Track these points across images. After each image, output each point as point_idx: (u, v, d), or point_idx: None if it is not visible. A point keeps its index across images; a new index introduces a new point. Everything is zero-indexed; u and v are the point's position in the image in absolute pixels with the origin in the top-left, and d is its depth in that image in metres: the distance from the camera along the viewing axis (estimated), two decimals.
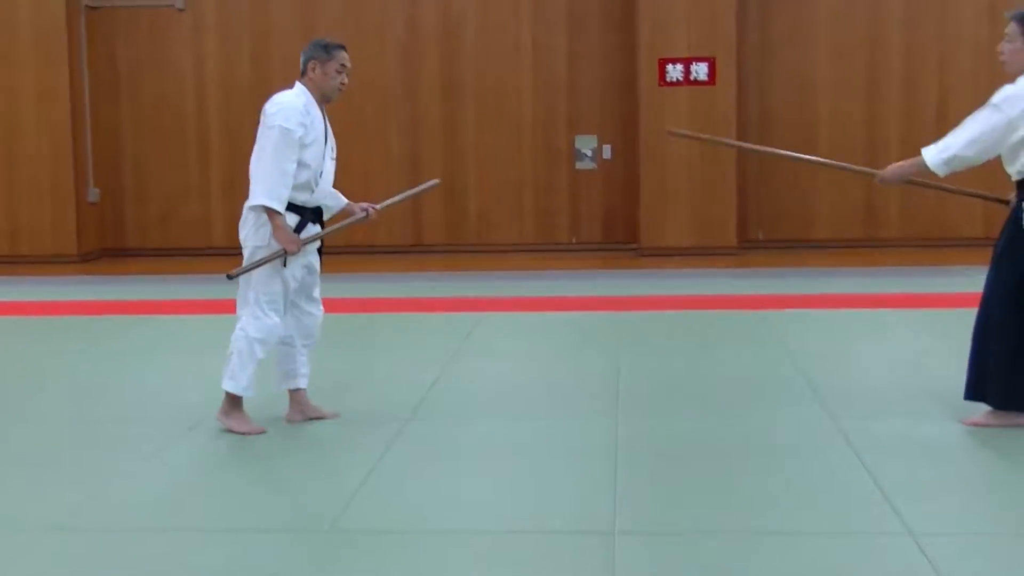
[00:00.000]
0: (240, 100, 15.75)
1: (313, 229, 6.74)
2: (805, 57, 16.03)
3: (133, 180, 16.87)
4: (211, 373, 6.99)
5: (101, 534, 5.10)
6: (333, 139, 6.91)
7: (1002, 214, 6.60)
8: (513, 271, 14.31)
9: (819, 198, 16.17)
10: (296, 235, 6.58)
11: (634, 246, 15.92)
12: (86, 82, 16.31)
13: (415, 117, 16.44)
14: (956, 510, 5.24)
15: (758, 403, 7.32)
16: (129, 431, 6.84)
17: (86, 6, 16.27)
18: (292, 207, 6.59)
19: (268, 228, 6.53)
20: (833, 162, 7.58)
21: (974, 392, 6.59)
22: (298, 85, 6.72)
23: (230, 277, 6.73)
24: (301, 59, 6.76)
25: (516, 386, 7.97)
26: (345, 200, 7.04)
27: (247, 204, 6.59)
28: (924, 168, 6.54)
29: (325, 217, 6.98)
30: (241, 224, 6.70)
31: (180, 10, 16.52)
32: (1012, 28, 6.44)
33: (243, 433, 6.68)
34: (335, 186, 6.99)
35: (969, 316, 6.71)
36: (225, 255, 6.78)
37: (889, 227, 16.15)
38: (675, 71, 15.35)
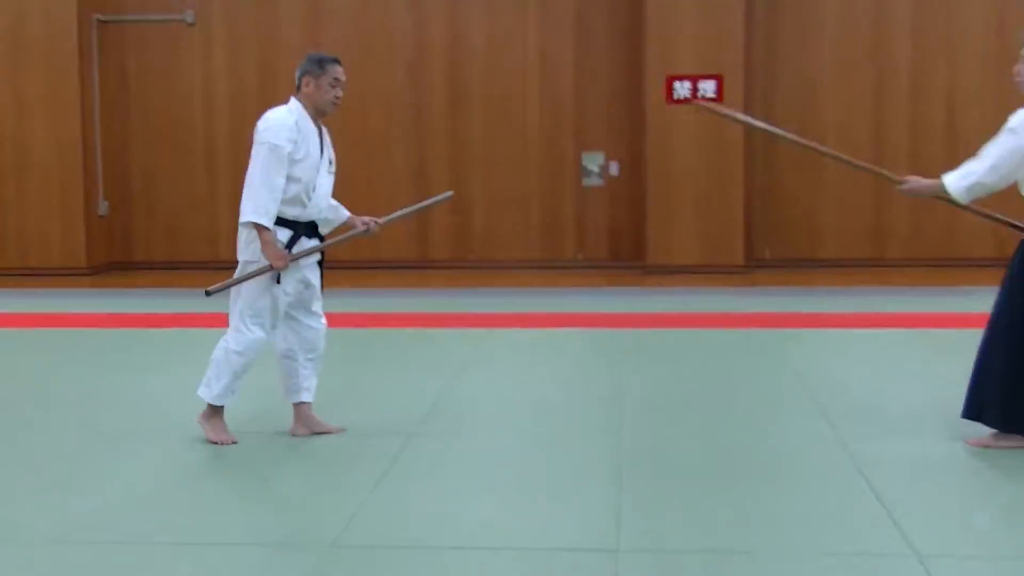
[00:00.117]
0: (248, 115, 15.68)
1: (307, 243, 6.75)
2: (811, 74, 16.05)
3: (142, 193, 16.92)
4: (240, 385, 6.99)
5: (104, 546, 5.09)
6: (332, 153, 6.93)
7: (1013, 236, 6.58)
8: (519, 287, 14.32)
9: (827, 217, 16.17)
10: (284, 251, 6.60)
11: (640, 263, 15.92)
12: (96, 96, 16.36)
13: (422, 132, 16.48)
14: (961, 531, 5.22)
15: (763, 422, 7.31)
16: (134, 444, 6.84)
17: (97, 20, 16.33)
18: (285, 222, 6.62)
19: (258, 243, 6.56)
20: (863, 164, 7.51)
21: (971, 410, 6.58)
22: (293, 100, 6.75)
23: (208, 294, 6.80)
24: (296, 74, 6.79)
25: (521, 402, 7.96)
26: (347, 213, 7.06)
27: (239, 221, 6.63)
28: (945, 194, 6.52)
29: (326, 230, 6.99)
30: (237, 239, 6.75)
31: (190, 24, 16.58)
32: None
33: (213, 442, 6.75)
34: (341, 200, 7.00)
35: (977, 336, 6.70)
36: (233, 268, 6.79)
37: (897, 246, 16.15)
38: (683, 88, 15.38)
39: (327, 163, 6.83)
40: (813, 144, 7.40)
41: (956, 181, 6.45)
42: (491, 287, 14.38)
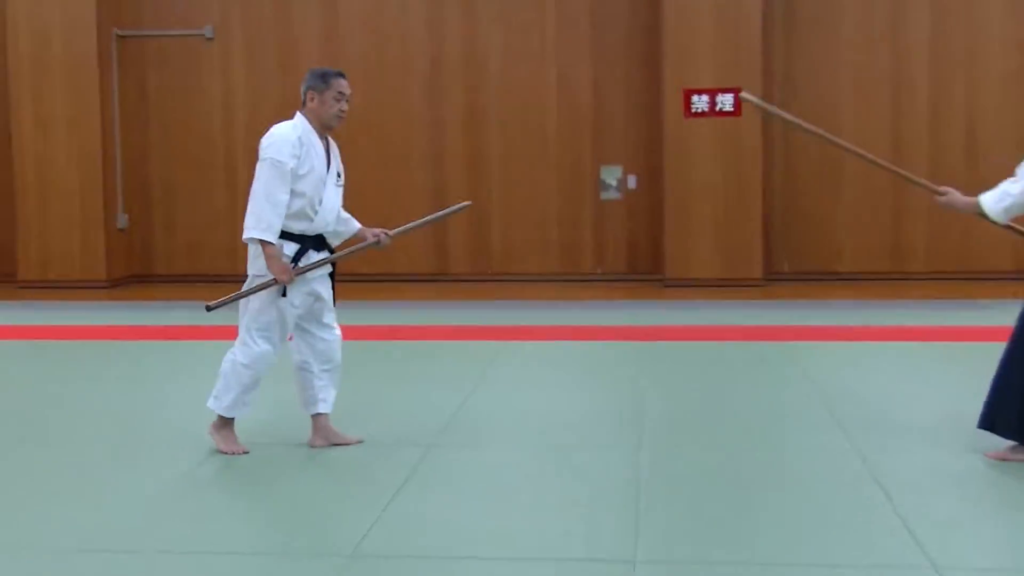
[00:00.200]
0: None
1: (315, 257, 6.79)
2: (830, 89, 16.04)
3: (161, 207, 17.00)
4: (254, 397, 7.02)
5: (123, 555, 5.12)
6: (340, 166, 6.96)
7: None
8: (537, 301, 14.34)
9: (845, 231, 16.16)
10: (288, 265, 6.64)
11: (659, 277, 15.93)
12: (116, 110, 16.46)
13: (440, 147, 16.52)
14: (979, 543, 5.21)
15: (781, 434, 7.31)
16: (152, 454, 6.88)
17: (117, 35, 16.42)
18: (291, 236, 6.67)
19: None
20: (905, 172, 7.48)
21: (987, 421, 6.59)
22: (298, 115, 6.81)
23: (209, 309, 6.86)
24: (301, 89, 6.84)
25: (539, 415, 7.97)
26: (358, 225, 7.10)
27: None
28: (982, 212, 6.54)
29: (337, 243, 7.03)
30: (248, 252, 6.81)
31: (209, 39, 16.67)
32: None
33: (224, 452, 6.81)
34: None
35: (996, 350, 6.70)
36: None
37: (916, 260, 16.12)
38: (700, 102, 15.39)
39: (335, 176, 6.87)
40: (861, 151, 7.38)
41: (993, 203, 6.48)
42: (509, 300, 14.40)
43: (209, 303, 6.90)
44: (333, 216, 6.88)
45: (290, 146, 6.62)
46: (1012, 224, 6.73)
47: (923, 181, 7.09)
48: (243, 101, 16.63)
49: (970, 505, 5.78)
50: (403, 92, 16.54)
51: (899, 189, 15.53)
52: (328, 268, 6.91)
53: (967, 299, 13.90)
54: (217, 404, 6.85)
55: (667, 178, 15.64)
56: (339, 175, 6.93)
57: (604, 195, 16.50)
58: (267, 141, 6.69)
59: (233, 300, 6.79)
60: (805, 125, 7.45)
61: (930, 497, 5.86)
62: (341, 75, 6.84)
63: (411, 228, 7.55)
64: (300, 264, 6.71)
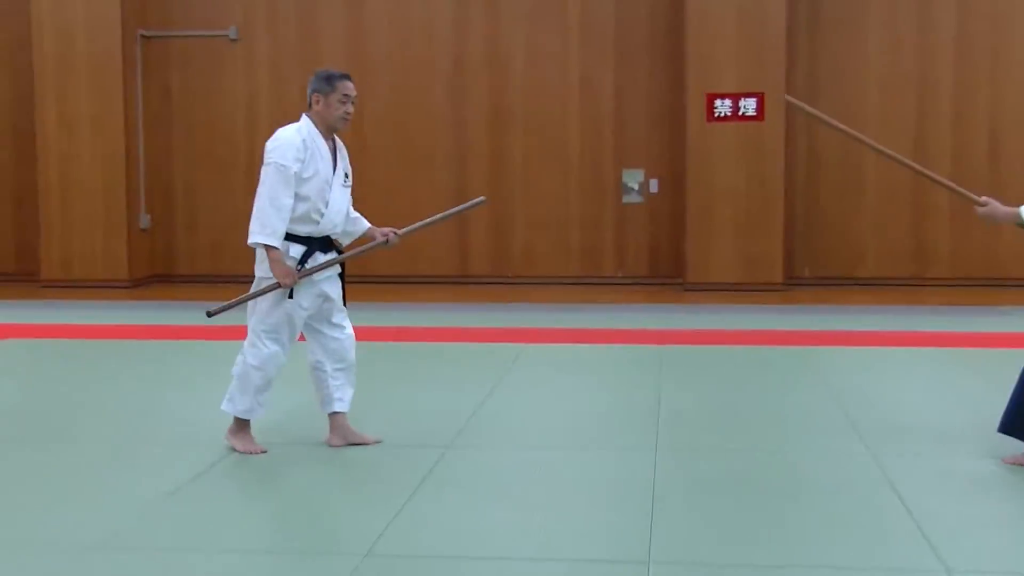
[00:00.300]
0: None
1: (322, 258, 6.81)
2: (853, 93, 16.00)
3: (184, 208, 17.06)
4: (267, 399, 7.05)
5: (139, 552, 5.16)
6: (348, 166, 7.00)
7: None
8: (557, 304, 14.35)
9: (866, 236, 16.12)
10: (292, 268, 6.67)
11: (680, 281, 15.92)
12: (140, 111, 16.53)
13: (462, 149, 16.54)
14: (993, 547, 5.20)
15: (798, 438, 7.31)
16: (169, 453, 6.91)
17: (141, 36, 16.49)
18: (298, 238, 6.70)
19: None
20: (940, 178, 7.46)
21: (1007, 426, 6.58)
22: (303, 118, 6.84)
23: (209, 315, 6.92)
24: (307, 91, 6.87)
25: (557, 417, 8.00)
26: (367, 224, 7.13)
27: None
28: (1021, 223, 6.54)
29: (347, 242, 7.09)
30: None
31: (233, 40, 16.73)
32: None
33: (243, 452, 6.85)
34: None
35: (1017, 357, 6.69)
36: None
37: (938, 266, 16.07)
38: (723, 106, 15.38)
39: (342, 177, 6.89)
40: (910, 162, 7.39)
41: None
42: (530, 303, 14.42)
43: (209, 309, 6.95)
44: (341, 217, 6.91)
45: (294, 150, 6.65)
46: None
47: (965, 191, 7.06)
48: (266, 102, 16.68)
49: (985, 509, 5.78)
50: (427, 92, 16.57)
51: (921, 193, 15.50)
52: (337, 269, 6.93)
53: (989, 305, 13.85)
54: (231, 407, 6.90)
55: (689, 182, 15.64)
56: (347, 176, 6.96)
57: (626, 198, 16.50)
58: (271, 145, 6.72)
59: (234, 305, 6.86)
60: (854, 133, 7.46)
61: (945, 501, 5.85)
62: (347, 77, 6.87)
63: (421, 226, 7.54)
64: (307, 266, 6.74)
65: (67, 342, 11.62)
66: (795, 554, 5.10)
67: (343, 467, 6.67)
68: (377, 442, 7.07)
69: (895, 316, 13.08)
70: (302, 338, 7.02)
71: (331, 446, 7.01)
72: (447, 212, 7.78)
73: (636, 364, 10.08)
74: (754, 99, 15.38)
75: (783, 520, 5.60)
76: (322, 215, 6.76)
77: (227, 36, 16.75)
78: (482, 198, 8.25)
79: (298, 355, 7.13)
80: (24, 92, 16.62)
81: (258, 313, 6.80)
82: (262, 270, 6.74)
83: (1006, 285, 15.47)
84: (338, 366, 6.99)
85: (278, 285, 6.65)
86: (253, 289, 6.80)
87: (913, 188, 15.46)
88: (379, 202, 15.53)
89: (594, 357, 10.58)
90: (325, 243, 6.87)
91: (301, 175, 6.64)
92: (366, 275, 16.20)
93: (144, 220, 16.64)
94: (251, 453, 6.84)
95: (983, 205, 6.74)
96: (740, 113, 15.43)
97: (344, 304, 7.03)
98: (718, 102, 15.46)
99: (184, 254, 17.12)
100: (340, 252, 6.98)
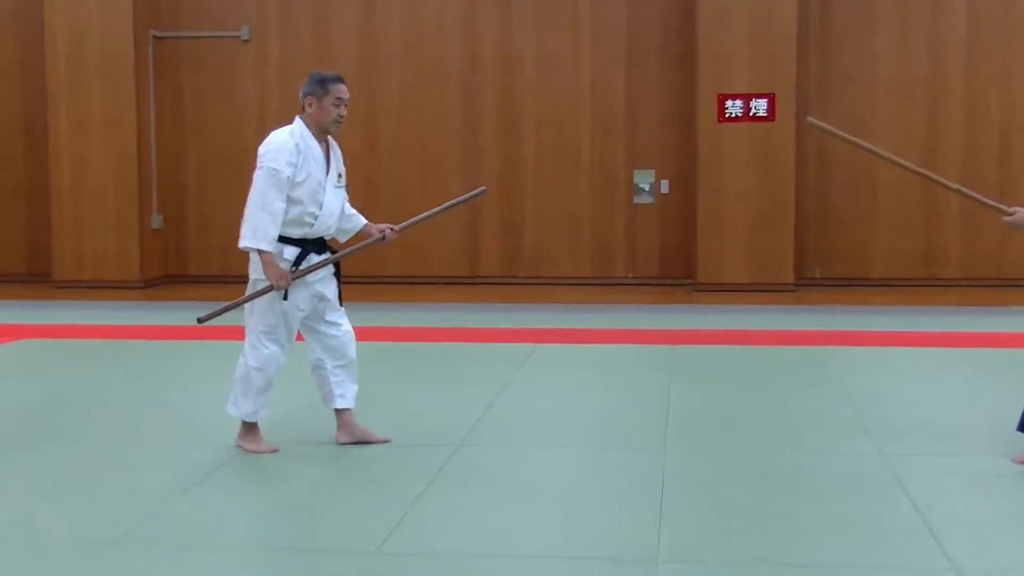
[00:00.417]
0: None
1: (316, 259, 6.84)
2: (865, 95, 16.00)
3: (196, 209, 17.10)
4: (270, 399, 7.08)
5: (155, 550, 5.19)
6: (342, 167, 7.02)
7: None
8: (568, 304, 14.36)
9: (878, 237, 16.11)
10: (285, 271, 6.69)
11: (691, 281, 15.92)
12: (152, 112, 16.57)
13: (474, 150, 16.55)
14: (1002, 547, 5.20)
15: (808, 438, 7.32)
16: (180, 452, 6.94)
17: (153, 37, 16.54)
18: (292, 240, 6.74)
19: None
20: (967, 190, 7.45)
21: None
22: (297, 120, 6.87)
23: (200, 321, 6.96)
24: (300, 94, 6.89)
25: (567, 416, 8.02)
26: (363, 221, 7.17)
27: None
28: None
29: (344, 239, 7.16)
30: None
31: (245, 41, 16.77)
32: None
33: (253, 451, 6.89)
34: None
35: None
36: None
37: (949, 267, 16.06)
38: (734, 107, 15.38)
39: (335, 178, 6.92)
40: (934, 175, 7.41)
41: None
42: (541, 303, 14.43)
43: (200, 315, 7.00)
44: (334, 219, 6.93)
45: (287, 154, 6.67)
46: None
47: (991, 201, 7.05)
48: (278, 103, 16.70)
49: (995, 508, 5.78)
50: (438, 93, 16.59)
51: (932, 195, 15.47)
52: (331, 268, 6.96)
53: (1000, 306, 13.84)
54: (236, 410, 6.95)
55: (700, 183, 15.64)
56: (340, 176, 6.98)
57: (637, 199, 16.50)
58: (264, 149, 6.75)
59: (226, 310, 6.93)
60: (876, 150, 7.47)
61: (954, 500, 5.86)
62: (340, 80, 6.88)
63: (419, 220, 7.54)
64: (301, 267, 6.77)
65: (79, 342, 11.66)
66: (804, 552, 5.12)
67: (353, 465, 6.70)
68: (384, 441, 7.10)
69: (906, 316, 13.08)
70: (300, 338, 7.05)
71: (339, 443, 7.05)
72: (446, 204, 7.74)
73: (646, 364, 10.09)
74: (765, 100, 15.38)
75: (792, 518, 5.62)
76: (316, 218, 6.78)
77: (239, 37, 16.79)
78: (482, 188, 8.24)
79: (300, 354, 7.15)
80: (36, 93, 16.67)
81: (256, 315, 6.84)
82: (257, 272, 6.77)
83: (1016, 286, 15.44)
84: (338, 363, 7.02)
85: (271, 288, 6.68)
86: (248, 292, 6.83)
87: (924, 189, 15.42)
88: (390, 202, 15.59)
89: (604, 357, 10.59)
90: (319, 244, 6.90)
91: (294, 179, 6.67)
92: (378, 276, 16.26)
93: (156, 221, 16.68)
94: (262, 452, 6.88)
95: (1011, 214, 6.75)
96: (751, 114, 15.42)
97: (340, 303, 7.05)
98: (729, 103, 15.46)
99: (196, 255, 17.16)
100: (334, 252, 7.00)
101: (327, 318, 6.97)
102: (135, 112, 16.19)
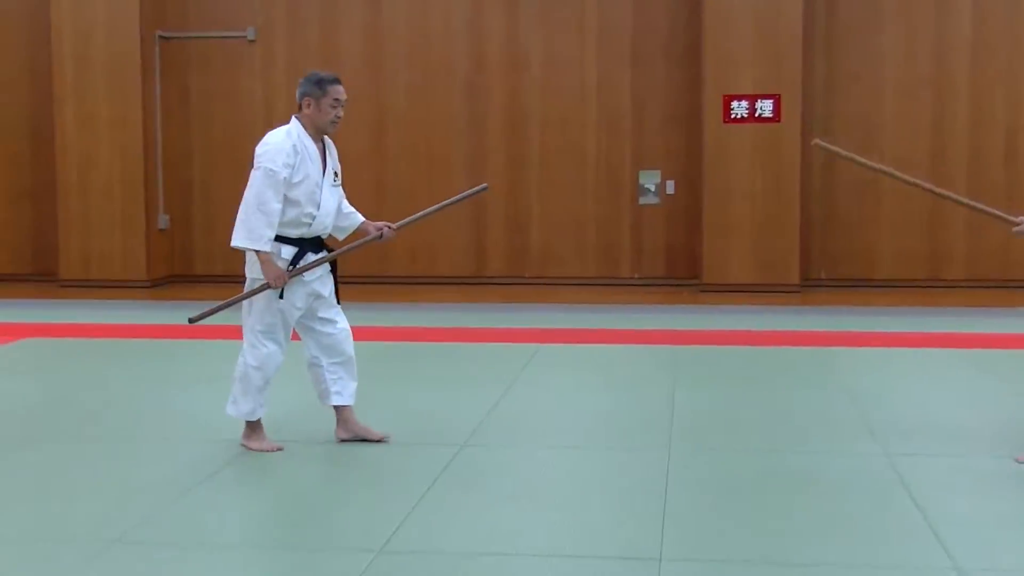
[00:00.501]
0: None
1: (312, 258, 6.86)
2: (870, 95, 15.99)
3: (202, 208, 17.11)
4: (269, 398, 7.09)
5: (159, 548, 5.21)
6: (338, 165, 7.04)
7: None
8: (573, 304, 14.37)
9: (883, 238, 16.09)
10: (282, 270, 6.72)
11: (696, 282, 15.92)
12: (158, 112, 16.60)
13: (480, 150, 16.56)
14: (1005, 547, 5.21)
15: (812, 438, 7.32)
16: (183, 451, 6.97)
17: (159, 37, 16.56)
18: (289, 240, 6.77)
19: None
20: (976, 204, 7.47)
21: None
22: (293, 120, 6.89)
23: (191, 321, 7.00)
24: (297, 94, 6.91)
25: (571, 416, 8.03)
26: (361, 218, 7.18)
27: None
28: None
29: (341, 237, 7.18)
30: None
31: (251, 41, 16.79)
32: None
33: (258, 450, 6.91)
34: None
35: None
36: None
37: (954, 268, 16.04)
38: (740, 107, 15.38)
39: (332, 177, 6.94)
40: (941, 190, 7.43)
41: None
42: (546, 303, 14.44)
43: (192, 315, 7.03)
44: (331, 219, 6.96)
45: (284, 155, 6.70)
46: None
47: (999, 212, 7.06)
48: (284, 103, 16.71)
49: (998, 508, 5.79)
50: (444, 93, 16.60)
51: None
52: (326, 267, 6.98)
53: (1005, 307, 13.83)
54: (236, 410, 6.96)
55: (705, 183, 15.64)
56: (336, 175, 7.00)
57: (642, 200, 16.50)
58: (261, 149, 6.77)
59: (218, 310, 6.97)
60: (886, 169, 7.50)
61: (958, 500, 5.87)
62: (337, 81, 6.91)
63: (418, 218, 7.56)
64: (298, 265, 6.80)
65: (84, 341, 11.68)
66: (807, 551, 5.13)
67: (357, 464, 6.72)
68: (383, 438, 7.11)
69: (910, 317, 13.07)
70: (295, 337, 7.07)
71: (339, 440, 7.08)
72: (446, 201, 7.74)
73: (651, 364, 10.10)
74: (771, 100, 15.37)
75: (795, 518, 5.63)
76: (313, 218, 6.81)
77: (245, 37, 16.81)
78: (484, 185, 8.23)
79: (301, 353, 7.16)
80: (43, 93, 16.70)
81: (254, 314, 6.86)
82: (253, 272, 6.81)
83: (1021, 287, 15.41)
84: (334, 360, 7.05)
85: (265, 287, 6.71)
86: (245, 289, 6.87)
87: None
88: (396, 202, 15.59)
89: (609, 357, 10.60)
90: (316, 244, 6.92)
91: (291, 180, 6.70)
92: (383, 276, 16.28)
93: (163, 220, 16.71)
94: (268, 451, 6.90)
95: (1019, 224, 6.77)
96: (757, 115, 15.42)
97: (338, 300, 7.08)
98: (735, 103, 15.46)
99: (202, 254, 17.17)
100: (331, 251, 7.02)
101: (320, 315, 6.99)
102: (141, 112, 16.21)
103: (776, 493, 6.08)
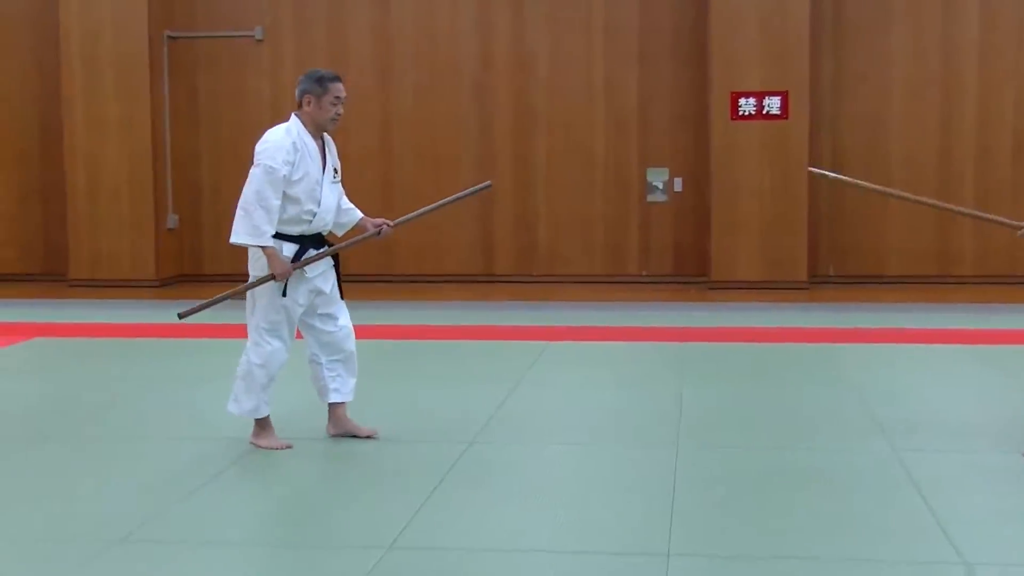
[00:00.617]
0: None
1: (314, 253, 6.88)
2: (878, 93, 15.98)
3: (210, 208, 17.12)
4: (273, 396, 7.11)
5: (166, 546, 5.23)
6: (337, 162, 7.07)
7: None
8: (582, 302, 14.37)
9: (892, 234, 16.07)
10: (288, 264, 6.75)
11: (704, 279, 15.92)
12: (167, 111, 16.62)
13: (487, 150, 16.56)
14: (1012, 542, 5.22)
15: (820, 434, 7.33)
16: (194, 449, 6.99)
17: (167, 37, 16.59)
18: (290, 238, 6.79)
19: (265, 259, 6.75)
20: (979, 213, 7.48)
21: None
22: (293, 118, 6.92)
23: (181, 316, 7.03)
24: (296, 91, 6.93)
25: (579, 413, 8.04)
26: (360, 215, 7.21)
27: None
28: None
29: (340, 233, 7.20)
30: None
31: (259, 41, 16.81)
32: None
33: (268, 448, 6.92)
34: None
35: None
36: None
37: (963, 264, 16.02)
38: (747, 105, 15.37)
39: (331, 174, 6.95)
40: (944, 204, 7.45)
41: None
42: (554, 301, 14.45)
43: (181, 311, 7.06)
44: (332, 215, 6.99)
45: (284, 153, 6.73)
46: None
47: (1001, 219, 7.07)
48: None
49: (1005, 503, 5.80)
50: (452, 93, 16.61)
51: (946, 193, 15.43)
52: (329, 263, 6.99)
53: (1014, 303, 13.81)
54: (238, 407, 6.99)
55: (713, 181, 15.63)
56: (336, 171, 7.02)
57: (650, 197, 16.49)
58: (261, 147, 6.82)
59: (208, 306, 7.03)
60: (884, 190, 7.53)
61: (965, 495, 5.88)
62: (338, 79, 6.93)
63: (418, 215, 7.57)
64: (301, 260, 6.83)
65: (94, 340, 11.70)
66: (814, 547, 5.14)
67: (365, 461, 6.74)
68: (372, 434, 7.14)
69: (919, 314, 13.06)
70: (299, 335, 7.09)
71: (329, 435, 7.15)
72: (448, 199, 7.73)
73: (659, 361, 10.11)
74: (778, 97, 15.37)
75: (803, 514, 5.64)
76: (314, 215, 6.84)
77: (253, 36, 16.83)
78: (488, 183, 8.23)
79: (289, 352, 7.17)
80: (51, 93, 16.72)
81: (258, 312, 6.89)
82: (257, 268, 6.84)
83: None
84: (334, 358, 7.08)
85: (262, 281, 6.75)
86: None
87: (938, 186, 15.40)
88: (403, 202, 15.57)
89: (617, 354, 10.61)
90: (317, 241, 6.94)
91: (290, 177, 6.72)
92: (391, 274, 16.30)
93: (172, 220, 16.74)
94: (277, 449, 6.91)
95: (1022, 228, 6.79)
96: (764, 112, 15.41)
97: (341, 296, 7.10)
98: (742, 101, 15.45)
99: (210, 254, 17.18)
100: (330, 247, 7.04)
101: (321, 312, 7.01)
102: (150, 112, 16.23)
103: (784, 489, 6.09)
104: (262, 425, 7.01)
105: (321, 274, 6.94)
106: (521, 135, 16.50)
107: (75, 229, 16.41)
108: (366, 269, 15.58)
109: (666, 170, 16.37)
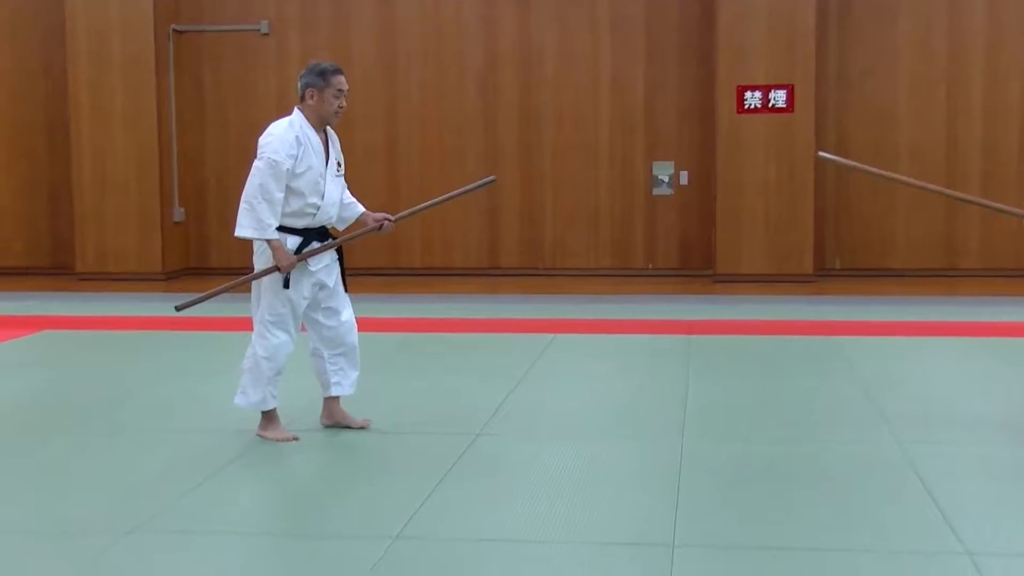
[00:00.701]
0: None
1: (317, 246, 6.91)
2: (884, 87, 15.97)
3: (217, 202, 17.15)
4: (280, 389, 7.13)
5: (176, 536, 5.26)
6: (340, 155, 7.08)
7: None
8: (588, 295, 14.38)
9: (898, 227, 16.08)
10: (292, 255, 6.77)
11: (710, 272, 15.93)
12: (172, 105, 16.65)
13: (493, 145, 16.57)
14: (1017, 532, 5.23)
15: (824, 426, 7.34)
16: (202, 441, 7.01)
17: (173, 30, 16.61)
18: (294, 231, 6.81)
19: (270, 252, 6.77)
20: (989, 202, 7.48)
21: None
22: (296, 112, 6.93)
23: (178, 309, 7.06)
24: (298, 85, 6.95)
25: (585, 405, 8.06)
26: (361, 209, 7.23)
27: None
28: None
29: (341, 227, 7.24)
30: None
31: (264, 35, 16.83)
32: None
33: (274, 439, 6.96)
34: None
35: None
36: None
37: (969, 257, 16.02)
38: (753, 98, 15.37)
39: (335, 168, 6.97)
40: (949, 191, 7.46)
41: None
42: (560, 294, 14.46)
43: (177, 304, 7.08)
44: (335, 209, 7.01)
45: (287, 146, 6.75)
46: None
47: (1009, 208, 7.07)
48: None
49: (1010, 495, 5.81)
50: (458, 89, 16.63)
51: (953, 186, 15.39)
52: (333, 257, 7.01)
53: (1021, 296, 13.81)
54: (244, 400, 7.02)
55: (719, 174, 15.64)
56: (339, 165, 7.04)
57: (656, 191, 16.50)
58: (264, 140, 6.84)
59: (205, 299, 7.06)
60: (892, 175, 7.53)
61: (969, 487, 5.89)
62: (340, 71, 6.94)
63: (420, 210, 7.60)
64: (304, 252, 6.86)
65: (101, 333, 11.73)
66: (819, 539, 5.16)
67: (372, 453, 6.76)
68: (365, 425, 7.19)
69: (926, 306, 13.05)
70: (304, 329, 7.12)
71: (323, 425, 7.21)
72: (451, 194, 7.77)
73: (665, 354, 10.11)
74: (784, 91, 15.36)
75: (808, 505, 5.65)
76: (317, 208, 6.86)
77: (258, 31, 16.85)
78: (492, 178, 8.26)
79: (295, 345, 7.20)
80: (58, 87, 16.75)
81: (263, 305, 6.91)
82: (262, 262, 6.87)
83: None
84: (335, 351, 7.11)
85: (264, 273, 6.78)
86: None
87: (944, 179, 15.38)
88: (409, 198, 15.58)
89: (623, 347, 10.61)
90: (321, 234, 6.96)
91: (294, 171, 6.74)
92: (398, 268, 16.33)
93: (178, 214, 16.76)
94: (284, 441, 6.94)
95: None
96: (770, 105, 15.41)
97: (345, 289, 7.12)
98: (748, 94, 15.45)
99: (217, 247, 17.21)
100: (333, 239, 7.06)
101: (325, 306, 7.03)
102: (156, 106, 16.26)
103: (788, 480, 6.10)
104: (269, 417, 7.04)
105: (325, 267, 6.96)
106: (527, 130, 16.51)
107: (82, 223, 16.44)
108: (373, 263, 15.61)
109: (672, 164, 16.38)
